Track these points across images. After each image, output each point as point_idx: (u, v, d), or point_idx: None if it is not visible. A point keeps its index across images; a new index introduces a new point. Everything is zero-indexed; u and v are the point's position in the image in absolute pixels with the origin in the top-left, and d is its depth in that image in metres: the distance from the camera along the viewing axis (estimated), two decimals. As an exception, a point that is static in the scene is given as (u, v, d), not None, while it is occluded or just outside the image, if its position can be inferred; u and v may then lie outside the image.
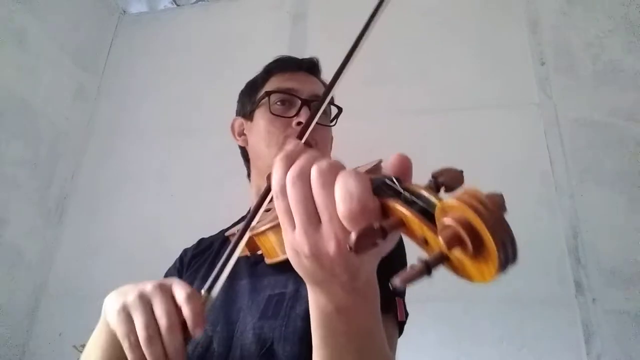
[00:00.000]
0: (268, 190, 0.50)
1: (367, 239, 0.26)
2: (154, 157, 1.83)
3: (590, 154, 1.41)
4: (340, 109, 0.86)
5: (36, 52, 1.73)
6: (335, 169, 0.32)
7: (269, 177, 0.42)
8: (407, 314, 0.66)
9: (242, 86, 0.93)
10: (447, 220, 0.24)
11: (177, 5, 2.15)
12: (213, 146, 1.75)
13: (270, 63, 0.86)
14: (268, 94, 0.77)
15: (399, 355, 0.63)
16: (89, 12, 2.03)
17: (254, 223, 0.46)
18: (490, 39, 1.66)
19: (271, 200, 0.64)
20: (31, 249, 1.65)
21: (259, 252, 0.60)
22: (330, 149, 0.86)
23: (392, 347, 0.60)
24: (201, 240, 0.90)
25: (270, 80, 0.82)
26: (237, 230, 0.47)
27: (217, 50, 1.95)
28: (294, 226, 0.34)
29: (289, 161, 0.35)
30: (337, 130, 0.89)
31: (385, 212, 0.30)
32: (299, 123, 0.73)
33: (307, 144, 0.70)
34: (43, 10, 1.77)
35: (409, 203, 0.28)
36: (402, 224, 0.28)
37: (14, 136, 1.61)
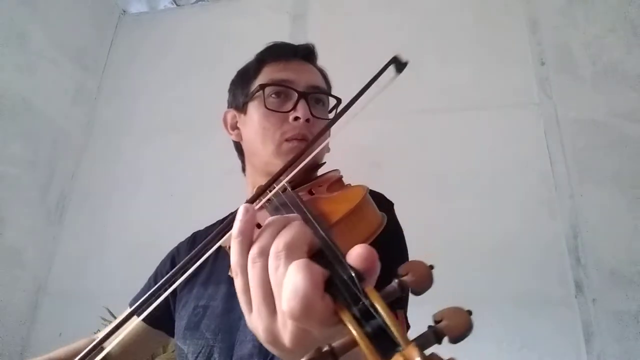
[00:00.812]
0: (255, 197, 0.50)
1: None
2: (153, 157, 1.83)
3: (590, 154, 1.41)
4: (339, 100, 0.79)
5: (36, 52, 1.73)
6: (292, 252, 0.30)
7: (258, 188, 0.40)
8: (408, 326, 0.63)
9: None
10: None
11: (177, 5, 2.15)
12: (213, 146, 1.75)
13: (263, 50, 0.79)
14: (262, 87, 0.71)
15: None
16: (89, 12, 2.03)
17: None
18: (490, 39, 1.66)
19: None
20: (31, 249, 1.65)
21: None
22: (329, 136, 0.82)
23: None
24: (196, 236, 0.85)
25: (264, 70, 0.75)
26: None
27: (217, 50, 1.95)
28: (250, 308, 0.32)
29: (248, 239, 0.33)
30: (336, 129, 0.87)
31: (339, 319, 0.27)
32: (296, 118, 0.68)
33: (306, 140, 0.69)
34: (43, 10, 1.77)
35: (365, 317, 0.25)
36: (355, 345, 0.25)
37: (14, 136, 1.61)
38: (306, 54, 0.79)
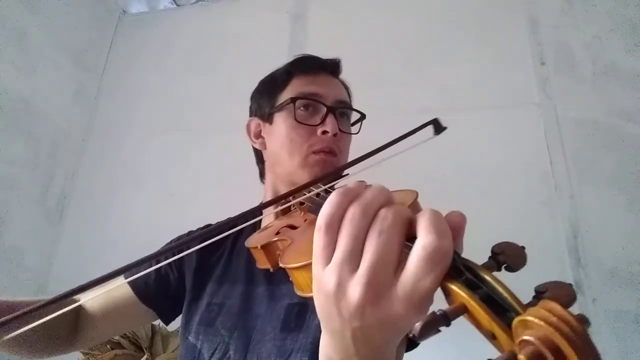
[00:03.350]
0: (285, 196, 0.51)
1: (431, 326, 0.26)
2: (153, 156, 1.83)
3: (590, 154, 1.41)
4: (363, 115, 0.82)
5: (36, 52, 1.73)
6: (408, 215, 0.31)
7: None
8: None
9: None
10: (531, 338, 0.23)
11: (177, 5, 2.15)
12: (213, 146, 1.75)
13: (292, 63, 0.80)
14: (293, 100, 0.73)
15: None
16: (89, 12, 2.03)
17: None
18: (490, 39, 1.66)
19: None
20: (31, 249, 1.65)
21: (279, 267, 0.59)
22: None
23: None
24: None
25: (292, 82, 0.77)
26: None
27: (217, 50, 1.95)
28: (327, 262, 0.32)
29: (349, 197, 0.32)
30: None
31: (445, 291, 0.28)
32: (324, 132, 0.71)
33: (333, 153, 0.71)
34: (43, 10, 1.77)
35: (472, 287, 0.27)
36: (466, 311, 0.27)
37: (14, 136, 1.61)
38: (333, 68, 0.81)
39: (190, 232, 0.85)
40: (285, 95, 0.75)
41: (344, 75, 0.85)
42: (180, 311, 0.78)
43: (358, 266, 0.30)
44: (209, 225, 0.85)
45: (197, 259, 0.78)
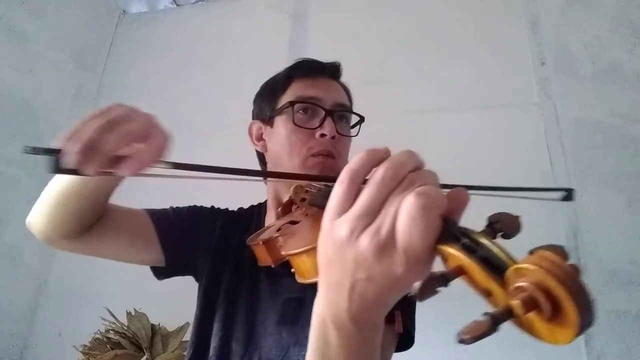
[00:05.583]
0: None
1: (430, 285, 0.27)
2: (154, 157, 1.83)
3: (590, 154, 1.41)
4: (362, 118, 0.84)
5: (36, 52, 1.73)
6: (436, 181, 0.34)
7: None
8: (411, 337, 0.63)
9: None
10: (524, 284, 0.23)
11: (177, 5, 2.15)
12: (213, 146, 1.75)
13: (292, 67, 0.82)
14: (292, 104, 0.75)
15: (401, 354, 0.63)
16: (89, 12, 2.03)
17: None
18: (491, 39, 1.66)
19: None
20: (31, 249, 1.65)
21: (279, 264, 0.61)
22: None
23: (387, 357, 0.60)
24: (222, 212, 0.86)
25: (292, 85, 0.78)
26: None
27: (217, 50, 1.95)
28: (341, 214, 0.33)
29: (378, 157, 0.36)
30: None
31: (443, 256, 0.29)
32: (322, 135, 0.72)
33: (331, 156, 0.73)
34: (43, 10, 1.77)
35: (469, 250, 0.28)
36: (463, 272, 0.28)
37: (14, 136, 1.61)
38: (333, 72, 0.82)
39: (213, 207, 0.86)
40: (285, 99, 0.77)
41: (344, 75, 0.86)
42: (181, 273, 0.80)
43: (372, 222, 0.31)
44: (227, 209, 0.87)
45: (218, 236, 0.80)
